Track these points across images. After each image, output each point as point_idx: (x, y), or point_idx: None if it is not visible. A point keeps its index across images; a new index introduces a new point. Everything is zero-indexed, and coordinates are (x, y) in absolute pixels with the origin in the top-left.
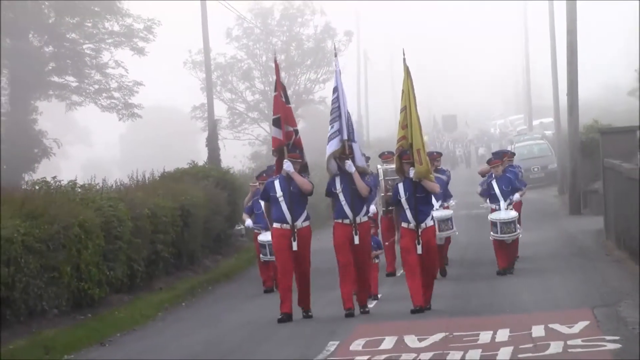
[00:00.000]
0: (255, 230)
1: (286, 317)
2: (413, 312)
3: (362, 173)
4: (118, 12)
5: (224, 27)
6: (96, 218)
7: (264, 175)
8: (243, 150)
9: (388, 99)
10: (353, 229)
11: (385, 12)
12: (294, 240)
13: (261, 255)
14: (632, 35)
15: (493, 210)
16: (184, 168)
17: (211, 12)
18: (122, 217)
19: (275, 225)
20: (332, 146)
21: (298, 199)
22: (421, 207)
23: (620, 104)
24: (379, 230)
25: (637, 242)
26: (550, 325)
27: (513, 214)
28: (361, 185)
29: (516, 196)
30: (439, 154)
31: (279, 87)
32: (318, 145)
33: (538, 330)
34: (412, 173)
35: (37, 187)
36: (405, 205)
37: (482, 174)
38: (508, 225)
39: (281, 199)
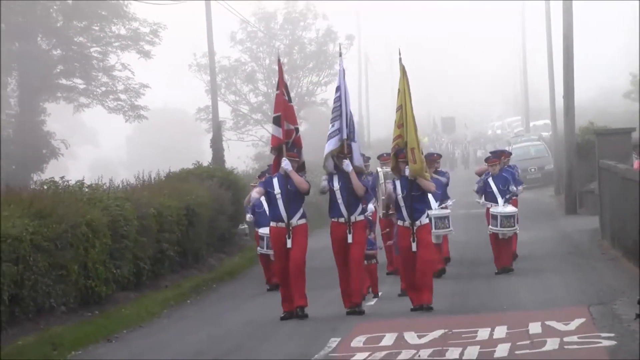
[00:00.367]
0: (255, 229)
1: (289, 315)
2: (414, 310)
3: (359, 173)
4: (125, 16)
5: (228, 30)
6: (103, 217)
7: (266, 175)
8: (247, 151)
9: (389, 101)
10: (347, 228)
11: (385, 14)
12: (289, 238)
13: (258, 248)
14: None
15: (489, 209)
16: (189, 168)
17: (215, 16)
18: (128, 216)
19: (272, 224)
20: (331, 144)
21: (295, 197)
22: (416, 205)
23: (615, 106)
24: (377, 229)
25: (632, 241)
26: (547, 323)
27: (514, 208)
28: (357, 184)
29: (519, 189)
30: (439, 156)
31: (282, 85)
32: (319, 146)
33: (535, 328)
34: (407, 171)
35: (45, 187)
36: (402, 203)
37: (479, 174)
38: (508, 219)
39: (278, 196)
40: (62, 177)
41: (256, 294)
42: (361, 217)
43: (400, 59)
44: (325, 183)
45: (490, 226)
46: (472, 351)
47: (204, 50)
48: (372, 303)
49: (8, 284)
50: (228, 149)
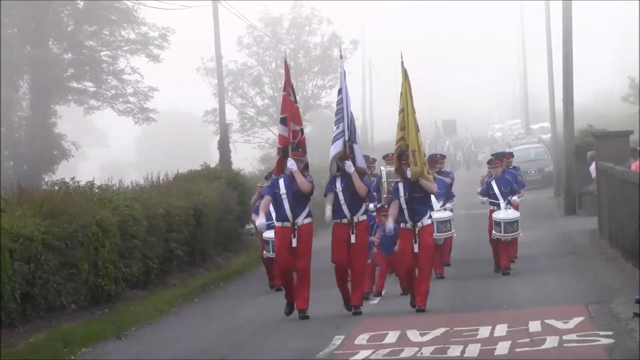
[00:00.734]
0: (261, 230)
1: (292, 306)
2: (418, 310)
3: (362, 174)
4: (134, 20)
5: (235, 35)
6: (113, 217)
7: (272, 176)
8: (253, 152)
9: (392, 105)
10: (350, 228)
11: (388, 20)
12: (294, 237)
13: (264, 252)
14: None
15: (492, 211)
16: (197, 170)
17: (223, 21)
18: (137, 216)
19: (277, 224)
20: (337, 147)
21: (300, 197)
22: (418, 207)
23: (613, 110)
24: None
25: (629, 241)
26: (547, 321)
27: (516, 213)
28: (360, 185)
29: (514, 199)
30: (442, 157)
31: (288, 86)
32: (324, 148)
33: (535, 326)
34: (409, 173)
35: (56, 188)
36: (403, 205)
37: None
38: (512, 225)
39: (284, 196)
40: (72, 178)
41: (262, 292)
42: (364, 218)
43: (402, 63)
44: (329, 213)
45: (493, 232)
46: (473, 349)
47: (211, 54)
48: (375, 302)
49: (20, 283)
50: (235, 150)
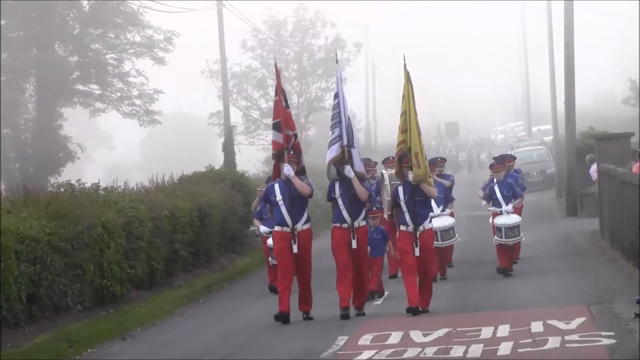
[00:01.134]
0: (264, 235)
1: (283, 316)
2: (408, 311)
3: (361, 178)
4: (139, 23)
5: (240, 38)
6: (118, 219)
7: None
8: (257, 154)
9: (395, 107)
10: (351, 233)
11: (391, 23)
12: (294, 243)
13: (270, 259)
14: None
15: (495, 215)
16: (202, 171)
17: (227, 24)
18: (142, 217)
19: (276, 228)
20: (333, 152)
21: (298, 202)
22: (419, 210)
23: (613, 112)
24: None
25: (630, 242)
26: (549, 321)
27: (517, 218)
28: (360, 190)
29: (509, 207)
30: (443, 160)
31: (280, 91)
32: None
33: (537, 326)
34: (411, 177)
35: (62, 189)
36: (404, 208)
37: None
38: (512, 230)
39: (281, 202)
40: (78, 180)
41: (266, 293)
42: (364, 223)
43: (405, 65)
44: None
45: (495, 237)
46: (476, 349)
47: (216, 57)
48: (379, 302)
49: (26, 283)
50: (239, 152)
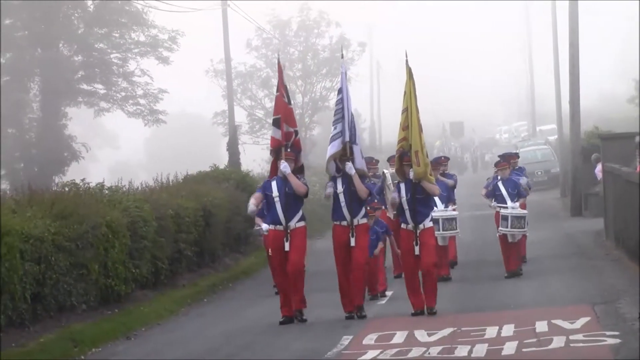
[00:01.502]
0: (265, 234)
1: (287, 320)
2: (414, 315)
3: (362, 176)
4: (144, 23)
5: (244, 37)
6: (123, 218)
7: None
8: (262, 154)
9: (400, 105)
10: (350, 231)
11: (396, 22)
12: (287, 241)
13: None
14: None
15: (498, 212)
16: (206, 171)
17: (232, 23)
18: (147, 217)
19: (270, 227)
20: (334, 147)
21: (293, 200)
22: (420, 209)
23: (618, 112)
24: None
25: (634, 242)
26: (553, 321)
27: (524, 210)
28: (360, 187)
29: (515, 204)
30: (447, 159)
31: (281, 87)
32: None
33: (541, 326)
34: (412, 174)
35: (66, 189)
36: (405, 206)
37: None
38: (519, 220)
39: (277, 199)
40: (82, 179)
41: (270, 293)
42: (364, 220)
43: (406, 62)
44: (330, 190)
45: (500, 227)
46: (481, 349)
47: (220, 57)
48: (383, 302)
49: (30, 283)
50: (244, 152)
